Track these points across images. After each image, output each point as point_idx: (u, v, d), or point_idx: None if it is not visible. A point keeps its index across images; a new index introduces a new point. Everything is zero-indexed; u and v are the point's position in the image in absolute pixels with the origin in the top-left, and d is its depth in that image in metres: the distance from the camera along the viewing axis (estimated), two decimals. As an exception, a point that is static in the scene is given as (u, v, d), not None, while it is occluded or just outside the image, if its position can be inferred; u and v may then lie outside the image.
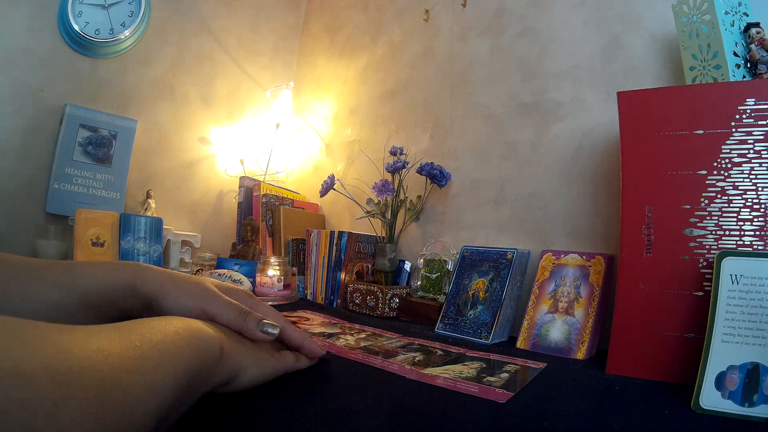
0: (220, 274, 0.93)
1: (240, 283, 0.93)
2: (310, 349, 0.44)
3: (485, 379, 0.48)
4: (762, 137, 0.49)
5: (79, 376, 0.19)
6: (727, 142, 0.50)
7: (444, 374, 0.48)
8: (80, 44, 1.07)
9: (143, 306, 0.38)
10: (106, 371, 0.21)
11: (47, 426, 0.17)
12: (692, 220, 0.51)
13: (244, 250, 1.12)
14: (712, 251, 0.50)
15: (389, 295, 0.87)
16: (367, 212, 0.96)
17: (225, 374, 0.34)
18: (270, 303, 0.94)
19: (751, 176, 0.49)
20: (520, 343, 0.67)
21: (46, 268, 0.36)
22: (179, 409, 0.28)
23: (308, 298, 1.05)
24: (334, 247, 1.00)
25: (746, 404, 0.39)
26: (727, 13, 0.60)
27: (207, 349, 0.31)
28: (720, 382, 0.41)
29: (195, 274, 1.04)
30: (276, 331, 0.38)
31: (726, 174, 0.50)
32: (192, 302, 0.37)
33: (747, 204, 0.49)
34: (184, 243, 1.15)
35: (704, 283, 0.49)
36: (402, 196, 0.96)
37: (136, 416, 0.22)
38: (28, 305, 0.33)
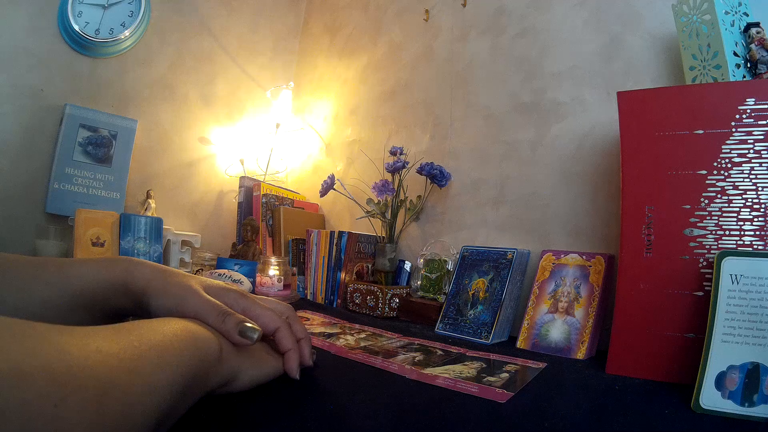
0: (220, 274, 0.93)
1: (240, 283, 0.93)
2: (288, 362, 0.40)
3: (485, 379, 0.48)
4: (762, 137, 0.49)
5: (78, 376, 0.19)
6: (727, 142, 0.50)
7: (444, 374, 0.48)
8: (80, 44, 1.07)
9: (134, 303, 0.38)
10: (104, 372, 0.21)
11: (46, 427, 0.17)
12: (692, 220, 0.51)
13: (244, 250, 1.12)
14: (712, 251, 0.50)
15: (389, 295, 0.87)
16: (367, 212, 0.96)
17: (224, 375, 0.34)
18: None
19: (751, 176, 0.49)
20: (520, 343, 0.67)
21: (39, 267, 0.36)
22: (178, 410, 0.28)
23: (308, 298, 1.05)
24: (334, 247, 1.00)
25: (746, 404, 0.39)
26: (727, 13, 0.60)
27: (206, 350, 0.31)
28: (720, 382, 0.41)
29: (195, 273, 1.04)
30: (256, 335, 0.35)
31: (726, 174, 0.50)
32: (173, 303, 0.36)
33: (747, 204, 0.49)
34: (184, 243, 1.15)
35: (704, 283, 0.49)
36: (402, 196, 0.96)
37: (135, 417, 0.22)
38: (22, 305, 0.33)
